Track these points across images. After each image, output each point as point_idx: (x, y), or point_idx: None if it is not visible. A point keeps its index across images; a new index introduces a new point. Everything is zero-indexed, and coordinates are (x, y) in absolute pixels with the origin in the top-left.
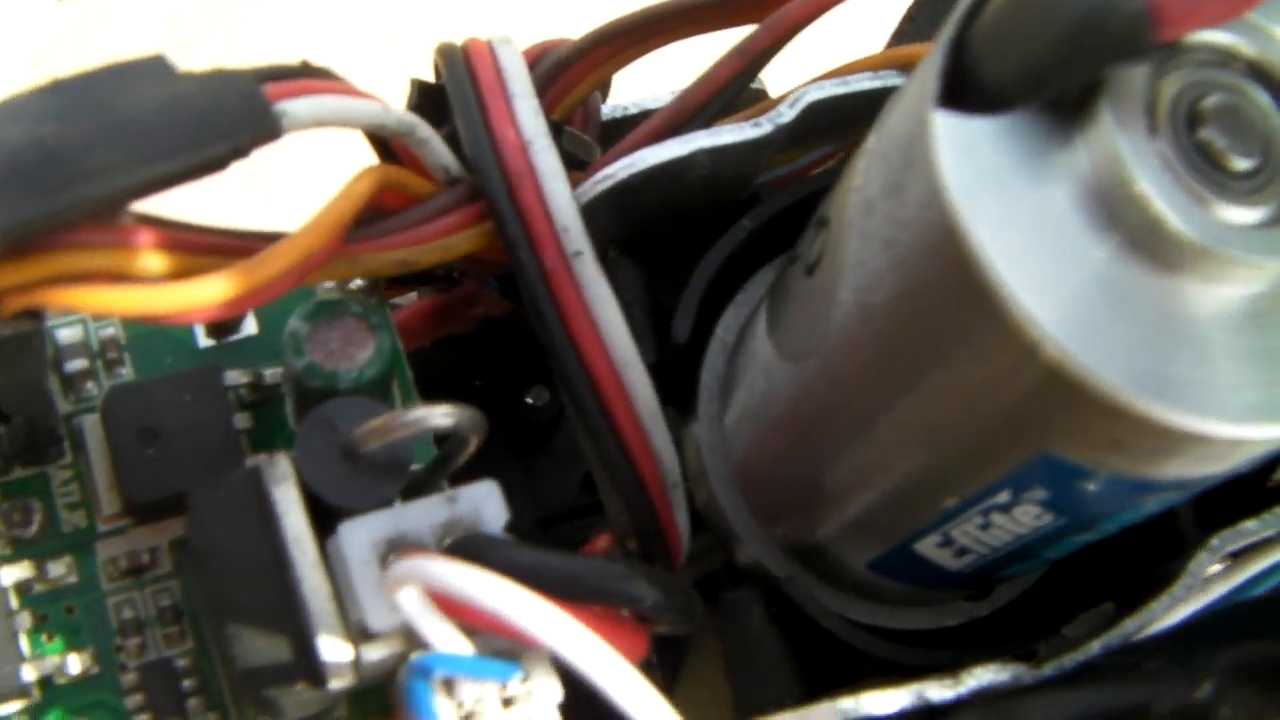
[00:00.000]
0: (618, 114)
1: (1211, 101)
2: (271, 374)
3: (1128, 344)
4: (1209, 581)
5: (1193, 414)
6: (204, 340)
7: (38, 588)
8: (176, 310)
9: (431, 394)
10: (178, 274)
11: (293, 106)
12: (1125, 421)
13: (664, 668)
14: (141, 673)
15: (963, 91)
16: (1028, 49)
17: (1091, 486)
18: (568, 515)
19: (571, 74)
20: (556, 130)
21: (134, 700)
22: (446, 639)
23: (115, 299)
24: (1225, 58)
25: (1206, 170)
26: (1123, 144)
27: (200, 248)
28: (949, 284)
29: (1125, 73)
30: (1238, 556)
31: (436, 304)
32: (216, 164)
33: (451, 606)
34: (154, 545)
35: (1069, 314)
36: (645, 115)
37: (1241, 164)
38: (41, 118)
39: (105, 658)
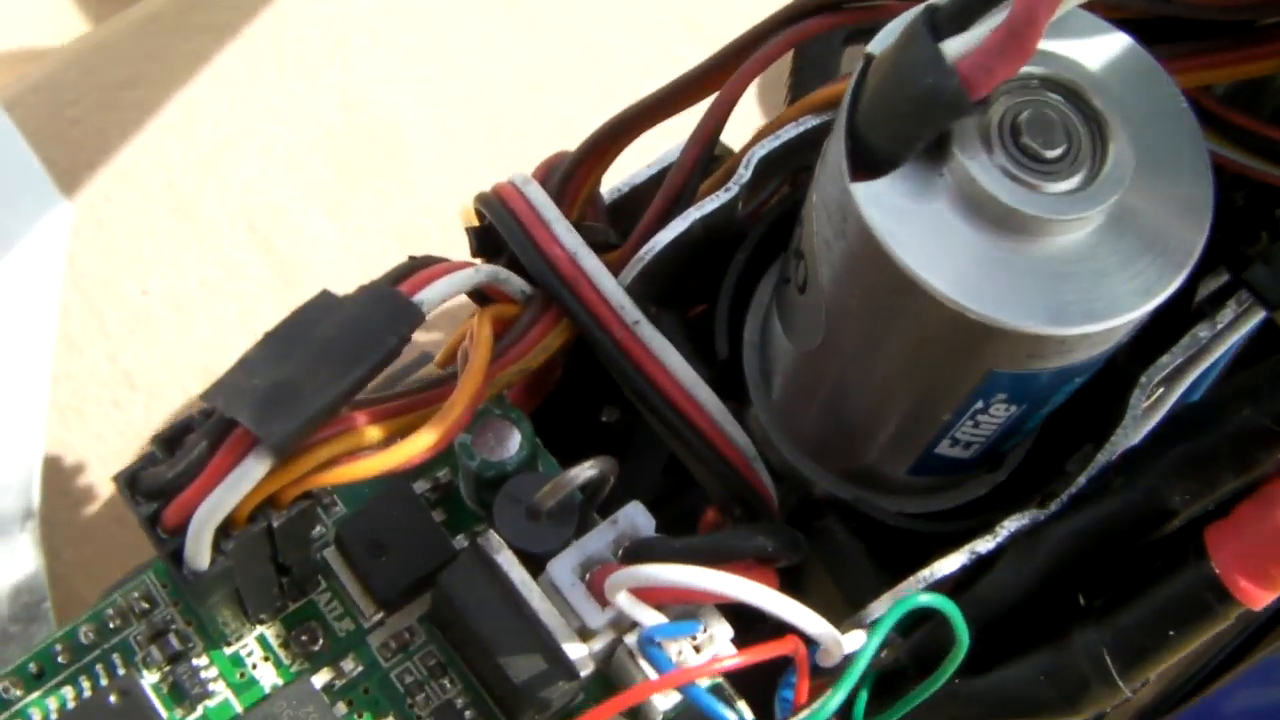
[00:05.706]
0: (614, 196)
1: (1025, 116)
2: (442, 475)
3: (1010, 291)
4: (1150, 409)
5: (1057, 326)
6: None
7: (338, 683)
8: (406, 461)
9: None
10: (390, 436)
11: (424, 295)
12: (1028, 340)
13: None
14: (434, 717)
15: (862, 158)
16: (893, 125)
17: (1031, 383)
18: (664, 498)
19: (575, 181)
20: (575, 228)
21: None
22: (650, 617)
23: (363, 468)
24: (1026, 80)
25: (1030, 165)
26: (970, 165)
27: (394, 411)
28: (889, 283)
29: None
30: (1167, 385)
31: (528, 382)
32: (392, 354)
33: (646, 594)
34: (409, 625)
35: (964, 282)
36: (635, 191)
37: (1053, 153)
38: (270, 364)
39: (404, 715)
